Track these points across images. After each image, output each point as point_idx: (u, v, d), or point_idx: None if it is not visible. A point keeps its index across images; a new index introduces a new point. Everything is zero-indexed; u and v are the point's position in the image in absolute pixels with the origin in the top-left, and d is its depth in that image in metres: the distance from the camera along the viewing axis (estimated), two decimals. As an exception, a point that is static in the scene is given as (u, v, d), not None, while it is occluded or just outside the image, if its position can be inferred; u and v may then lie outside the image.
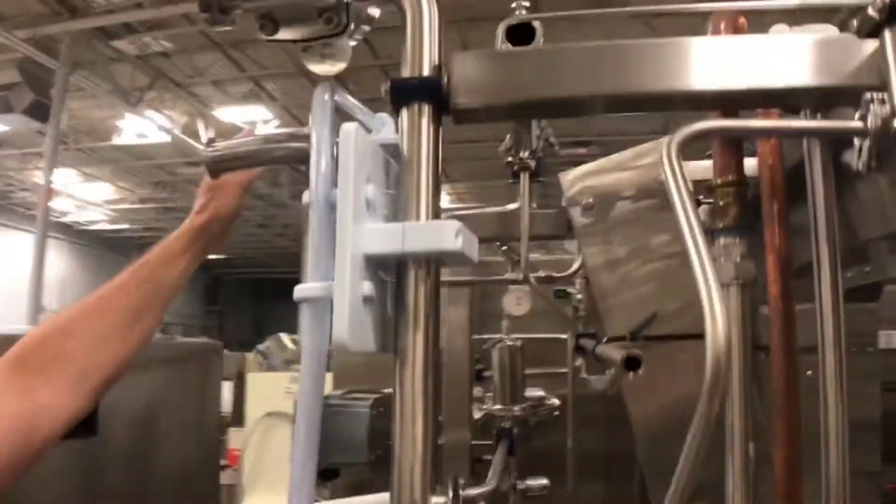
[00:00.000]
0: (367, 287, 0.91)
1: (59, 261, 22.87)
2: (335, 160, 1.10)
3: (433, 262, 0.93)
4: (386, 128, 1.42)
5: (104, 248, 26.24)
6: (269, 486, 6.35)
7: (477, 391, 2.62)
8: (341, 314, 0.87)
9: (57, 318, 1.30)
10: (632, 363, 1.45)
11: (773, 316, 1.19)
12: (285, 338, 11.05)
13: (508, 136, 2.17)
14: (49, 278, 18.40)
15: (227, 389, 6.48)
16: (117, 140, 16.57)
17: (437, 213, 0.96)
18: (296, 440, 0.98)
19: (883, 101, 0.83)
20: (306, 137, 1.33)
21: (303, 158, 1.34)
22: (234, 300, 32.78)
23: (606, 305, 1.67)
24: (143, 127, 15.49)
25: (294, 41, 1.11)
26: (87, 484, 1.65)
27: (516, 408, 2.40)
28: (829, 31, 0.98)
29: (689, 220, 0.78)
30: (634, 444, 1.67)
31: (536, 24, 1.23)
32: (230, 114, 14.06)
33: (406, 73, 0.98)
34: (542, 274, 2.33)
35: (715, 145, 1.26)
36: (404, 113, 0.98)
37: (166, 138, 15.38)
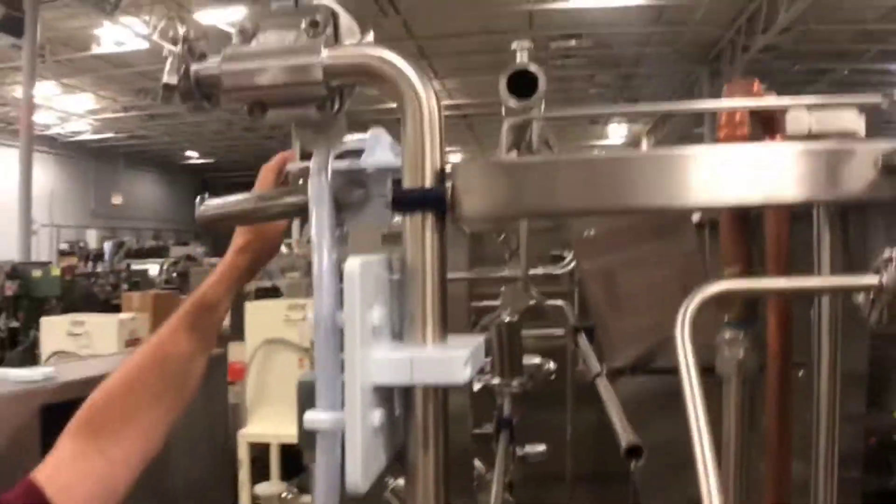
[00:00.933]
0: (378, 416, 0.90)
1: (46, 174, 22.70)
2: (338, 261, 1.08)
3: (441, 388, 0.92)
4: (380, 147, 1.39)
5: (91, 159, 26.00)
6: (271, 407, 6.48)
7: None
8: (354, 454, 0.87)
9: (118, 377, 1.37)
10: (633, 452, 1.45)
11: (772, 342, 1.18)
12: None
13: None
14: (38, 192, 18.32)
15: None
16: (96, 49, 16.23)
17: (443, 333, 0.94)
18: None
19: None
20: (300, 191, 1.30)
21: (297, 212, 1.32)
22: (224, 204, 32.64)
23: (607, 336, 1.66)
24: (120, 35, 15.14)
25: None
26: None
27: (515, 382, 2.42)
28: (848, 117, 0.95)
29: (695, 405, 0.77)
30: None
31: (540, 73, 1.18)
32: (210, 16, 13.71)
33: (408, 179, 0.94)
34: (540, 271, 2.31)
35: (724, 233, 1.24)
36: (408, 220, 0.94)
37: (145, 45, 15.07)
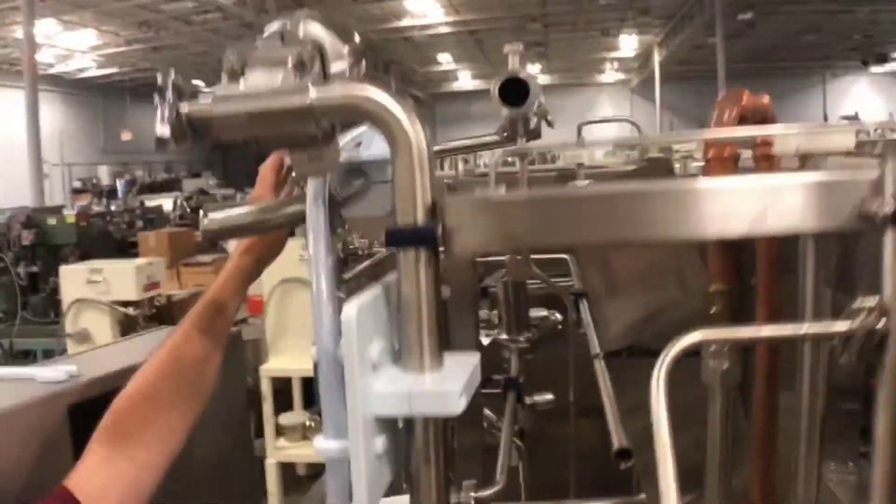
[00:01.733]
0: (381, 443, 0.95)
1: (54, 113, 22.64)
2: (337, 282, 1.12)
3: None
4: (378, 137, 1.41)
5: (97, 95, 25.88)
6: (290, 342, 6.63)
7: (483, 314, 2.67)
8: (359, 482, 0.92)
9: (137, 384, 1.44)
10: (623, 454, 1.50)
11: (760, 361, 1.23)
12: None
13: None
14: (47, 132, 18.33)
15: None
16: (94, -16, 16.01)
17: (439, 356, 0.99)
18: None
19: (871, 311, 0.84)
20: (300, 200, 1.33)
21: (299, 221, 1.35)
22: (234, 133, 32.51)
23: (603, 317, 1.70)
24: (119, -31, 14.91)
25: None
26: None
27: (522, 337, 2.48)
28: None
29: (665, 457, 0.82)
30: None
31: (531, 80, 1.19)
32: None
33: (400, 215, 0.97)
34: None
35: (712, 251, 1.26)
36: (401, 256, 0.98)
37: (144, -23, 14.86)
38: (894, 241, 0.83)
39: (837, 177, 0.88)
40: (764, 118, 1.29)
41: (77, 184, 23.90)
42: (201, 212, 1.33)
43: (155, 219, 13.84)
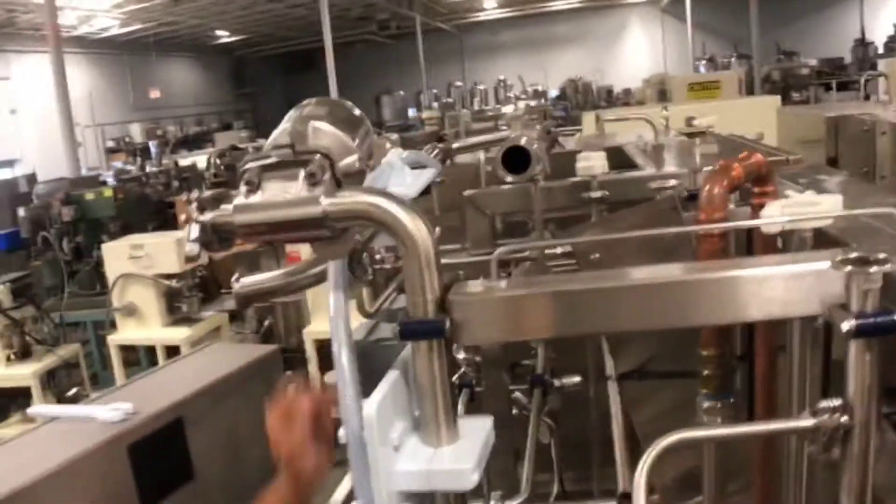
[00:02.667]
0: (405, 509, 1.07)
1: (81, 75, 22.77)
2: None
3: (458, 489, 1.08)
4: (394, 174, 1.51)
5: (123, 53, 25.90)
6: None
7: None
8: (389, 552, 1.04)
9: None
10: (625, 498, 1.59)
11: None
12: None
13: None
14: (76, 94, 18.49)
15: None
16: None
17: (454, 430, 1.09)
18: None
19: (834, 411, 0.92)
20: (320, 261, 1.42)
21: (322, 280, 1.45)
22: (262, 79, 32.56)
23: (613, 340, 1.78)
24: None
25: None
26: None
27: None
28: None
29: None
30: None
31: (531, 149, 1.26)
32: None
33: (411, 310, 1.07)
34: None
35: None
36: (414, 346, 1.08)
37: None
38: (856, 351, 0.90)
39: (811, 268, 0.95)
40: (759, 176, 1.35)
41: (111, 143, 24.15)
42: (233, 278, 1.43)
43: (190, 178, 13.97)
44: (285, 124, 1.19)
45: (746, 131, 4.85)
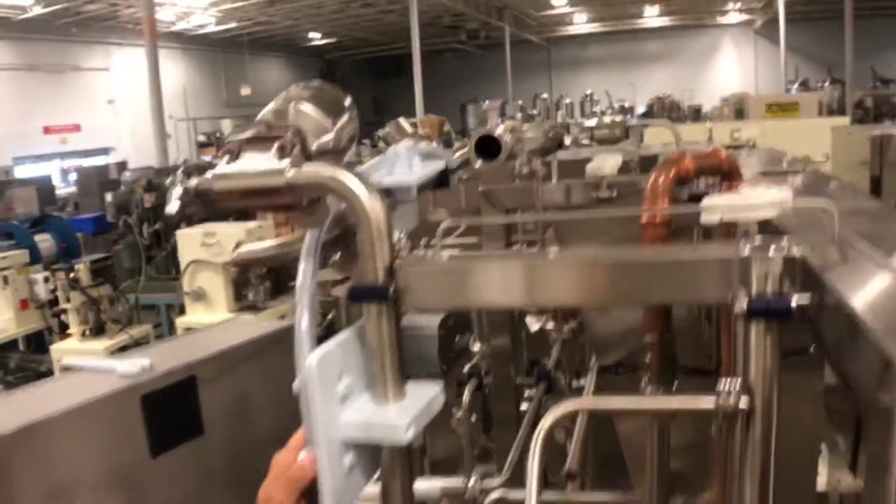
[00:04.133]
0: (349, 459, 1.17)
1: (177, 70, 23.61)
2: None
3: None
4: (399, 163, 1.61)
5: (217, 50, 26.76)
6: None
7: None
8: (327, 492, 1.13)
9: None
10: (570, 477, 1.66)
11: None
12: (404, 122, 11.28)
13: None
14: (172, 88, 19.22)
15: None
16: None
17: (400, 389, 1.18)
18: None
19: (729, 393, 0.97)
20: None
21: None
22: (350, 83, 33.15)
23: (593, 334, 1.84)
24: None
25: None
26: (201, 481, 2.01)
27: (566, 327, 2.62)
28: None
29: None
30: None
31: (505, 138, 1.35)
32: None
33: (363, 275, 1.17)
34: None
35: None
36: (365, 309, 1.18)
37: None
38: (757, 333, 0.96)
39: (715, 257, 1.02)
40: (723, 172, 1.40)
41: (202, 138, 24.97)
42: (233, 246, 1.55)
43: (272, 174, 14.35)
44: (272, 104, 1.31)
45: (811, 152, 4.79)
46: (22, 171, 18.86)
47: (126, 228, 9.23)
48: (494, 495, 1.79)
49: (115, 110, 22.85)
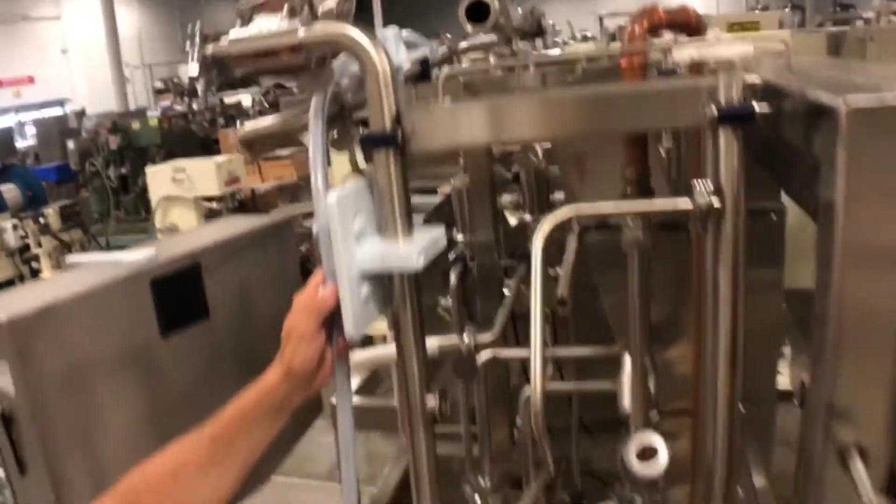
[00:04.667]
0: (366, 288, 1.31)
1: (131, 15, 23.14)
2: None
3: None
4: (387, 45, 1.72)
5: (172, -2, 26.24)
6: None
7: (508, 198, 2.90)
8: (348, 316, 1.27)
9: (145, 473, 1.31)
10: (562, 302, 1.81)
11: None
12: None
13: None
14: (125, 34, 18.87)
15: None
16: None
17: (408, 228, 1.32)
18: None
19: (706, 195, 1.12)
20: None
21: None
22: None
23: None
24: None
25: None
26: (209, 361, 2.14)
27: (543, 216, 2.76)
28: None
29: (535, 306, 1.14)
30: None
31: (494, 4, 1.46)
32: None
33: (372, 124, 1.29)
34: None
35: (624, 142, 1.54)
36: (375, 156, 1.30)
37: None
38: (725, 139, 1.11)
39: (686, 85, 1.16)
40: (690, 26, 1.53)
41: (159, 84, 24.59)
42: (238, 122, 1.65)
43: (235, 115, 14.30)
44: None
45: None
46: (-24, 126, 18.53)
47: (92, 173, 9.24)
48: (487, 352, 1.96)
49: (69, 60, 22.43)
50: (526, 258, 2.57)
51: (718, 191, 1.14)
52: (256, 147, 1.69)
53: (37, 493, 1.82)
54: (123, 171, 8.95)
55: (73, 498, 1.79)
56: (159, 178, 7.30)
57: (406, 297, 1.35)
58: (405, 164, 1.31)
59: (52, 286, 2.00)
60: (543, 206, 2.82)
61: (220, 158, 7.49)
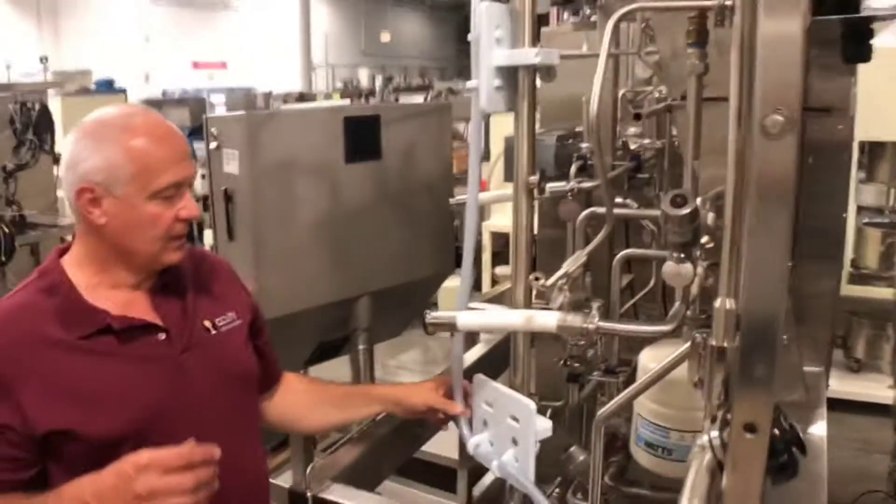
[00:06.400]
0: (497, 81, 1.84)
1: (319, 15, 24.37)
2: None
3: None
4: None
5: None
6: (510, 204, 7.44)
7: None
8: (483, 94, 1.80)
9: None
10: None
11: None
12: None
13: None
14: (313, 34, 19.82)
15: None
16: None
17: (535, 39, 1.83)
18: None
19: None
20: None
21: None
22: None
23: None
24: None
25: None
26: (375, 192, 2.77)
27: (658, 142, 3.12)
28: None
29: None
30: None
31: None
32: None
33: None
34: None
35: None
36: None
37: None
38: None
39: None
40: None
41: (339, 85, 25.87)
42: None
43: (409, 115, 15.00)
44: None
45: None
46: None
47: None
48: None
49: (260, 51, 23.79)
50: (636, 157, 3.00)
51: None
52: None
53: (238, 256, 2.47)
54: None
55: (266, 263, 2.43)
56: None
57: (525, 94, 1.85)
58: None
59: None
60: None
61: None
